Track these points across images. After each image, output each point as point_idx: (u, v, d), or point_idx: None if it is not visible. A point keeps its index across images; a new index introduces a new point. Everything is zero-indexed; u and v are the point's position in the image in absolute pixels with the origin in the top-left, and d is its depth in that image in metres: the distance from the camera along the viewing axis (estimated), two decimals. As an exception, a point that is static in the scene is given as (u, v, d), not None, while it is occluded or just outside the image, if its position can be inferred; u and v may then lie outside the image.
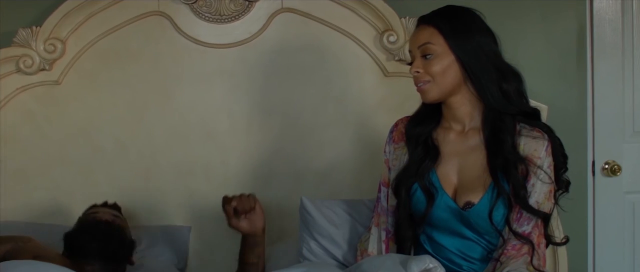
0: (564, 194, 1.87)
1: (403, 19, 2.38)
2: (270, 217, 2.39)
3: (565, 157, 1.85)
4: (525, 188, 1.76)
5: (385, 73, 2.41)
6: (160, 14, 2.38)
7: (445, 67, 1.77)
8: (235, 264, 2.33)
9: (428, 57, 1.77)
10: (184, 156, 2.40)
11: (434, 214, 1.82)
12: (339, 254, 2.07)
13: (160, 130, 2.40)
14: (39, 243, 1.99)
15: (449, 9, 1.83)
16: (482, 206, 1.77)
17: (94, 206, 2.14)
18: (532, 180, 1.77)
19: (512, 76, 1.80)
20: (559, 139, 1.84)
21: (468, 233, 1.81)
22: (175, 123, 2.40)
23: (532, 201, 1.77)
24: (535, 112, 1.84)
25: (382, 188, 1.96)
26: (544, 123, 1.86)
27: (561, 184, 1.85)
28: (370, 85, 2.43)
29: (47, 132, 2.38)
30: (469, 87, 1.79)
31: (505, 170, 1.77)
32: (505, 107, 1.77)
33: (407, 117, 1.94)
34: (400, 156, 1.91)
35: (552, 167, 1.80)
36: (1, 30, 2.38)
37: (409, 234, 1.86)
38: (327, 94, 2.43)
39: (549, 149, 1.79)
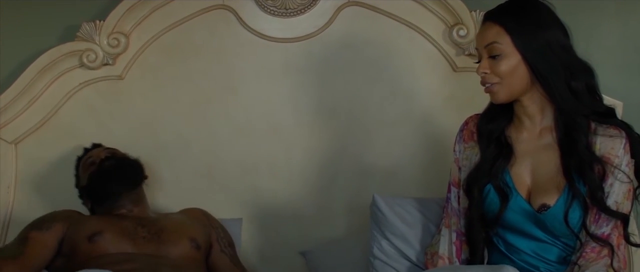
0: None
1: (473, 12, 2.31)
2: (335, 216, 2.37)
3: None
4: (602, 189, 1.69)
5: (455, 68, 2.35)
6: (224, 8, 2.34)
7: (512, 67, 1.70)
8: (301, 261, 2.32)
9: (495, 57, 1.70)
10: (248, 152, 2.36)
11: (507, 216, 1.75)
12: (412, 254, 2.01)
13: (224, 125, 2.36)
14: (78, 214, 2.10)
15: (516, 4, 1.75)
16: (558, 208, 1.70)
17: (84, 154, 2.19)
18: (610, 180, 1.69)
19: (582, 72, 1.72)
20: (637, 135, 1.76)
21: (542, 235, 1.74)
22: (239, 118, 2.36)
23: (611, 202, 1.69)
24: (609, 111, 1.75)
25: (453, 188, 1.89)
26: (620, 120, 1.78)
27: None
28: (439, 80, 2.36)
29: (110, 128, 2.35)
30: (537, 87, 1.72)
31: (580, 171, 1.69)
32: (576, 109, 1.70)
33: (477, 114, 1.87)
34: (471, 156, 1.85)
35: (630, 166, 1.72)
36: (65, 24, 2.36)
37: (481, 236, 1.80)
38: (394, 89, 2.37)
39: (627, 147, 1.71)
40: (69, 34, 2.34)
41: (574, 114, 1.70)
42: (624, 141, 1.71)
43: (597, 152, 1.70)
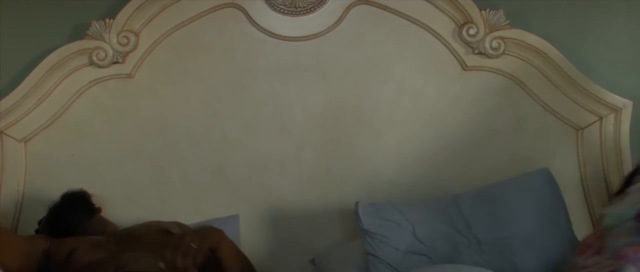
0: None
1: (483, 11, 2.31)
2: (345, 214, 2.35)
3: None
4: None
5: (464, 67, 2.34)
6: (234, 6, 2.34)
7: None
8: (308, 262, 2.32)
9: None
10: (257, 151, 2.36)
11: None
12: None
13: (234, 124, 2.35)
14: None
15: None
16: None
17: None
18: None
19: None
20: None
21: None
22: (249, 117, 2.36)
23: None
24: None
25: None
26: None
27: None
28: (449, 79, 2.35)
29: (119, 126, 2.35)
30: None
31: None
32: None
33: None
34: None
35: None
36: (74, 22, 2.35)
37: None
38: (403, 88, 2.36)
39: None
40: (79, 32, 2.33)
41: None
42: None
43: None
